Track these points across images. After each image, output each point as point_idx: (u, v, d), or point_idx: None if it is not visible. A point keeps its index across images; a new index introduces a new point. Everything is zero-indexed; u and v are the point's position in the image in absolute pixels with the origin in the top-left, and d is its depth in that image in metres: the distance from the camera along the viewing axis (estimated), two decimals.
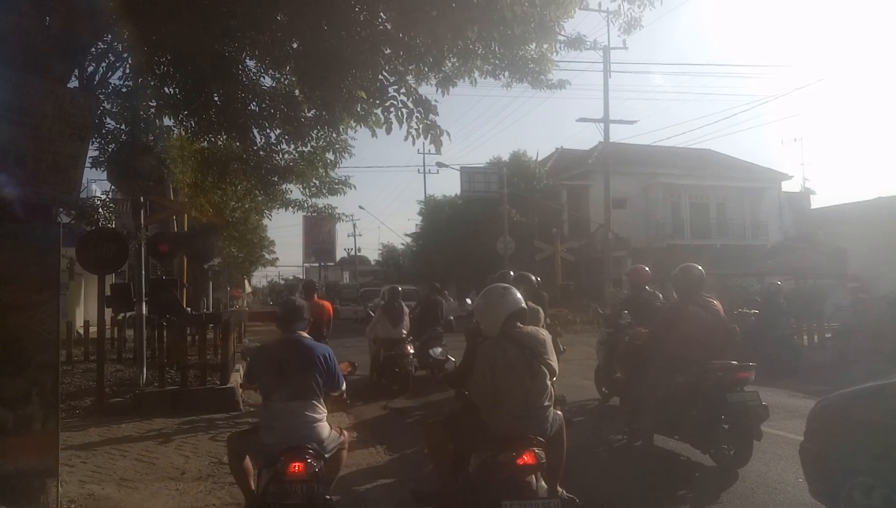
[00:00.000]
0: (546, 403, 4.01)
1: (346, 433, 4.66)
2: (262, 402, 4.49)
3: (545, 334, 4.19)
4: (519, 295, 4.19)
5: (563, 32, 6.69)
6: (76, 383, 10.73)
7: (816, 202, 37.38)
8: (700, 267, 6.39)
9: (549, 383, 4.03)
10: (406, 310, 11.08)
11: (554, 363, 4.07)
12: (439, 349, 10.92)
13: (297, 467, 3.83)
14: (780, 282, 14.90)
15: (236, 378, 10.19)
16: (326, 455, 4.17)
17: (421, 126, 6.17)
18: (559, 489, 4.10)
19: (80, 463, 6.36)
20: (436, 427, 4.43)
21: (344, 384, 4.57)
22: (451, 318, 12.02)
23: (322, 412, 4.32)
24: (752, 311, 13.53)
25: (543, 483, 3.82)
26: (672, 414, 6.08)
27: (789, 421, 7.22)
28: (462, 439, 4.14)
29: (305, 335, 4.49)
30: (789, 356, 12.05)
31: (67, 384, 10.33)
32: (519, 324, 4.09)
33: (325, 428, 4.29)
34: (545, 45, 6.82)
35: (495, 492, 3.63)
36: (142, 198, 10.09)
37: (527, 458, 3.66)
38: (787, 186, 37.01)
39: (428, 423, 4.66)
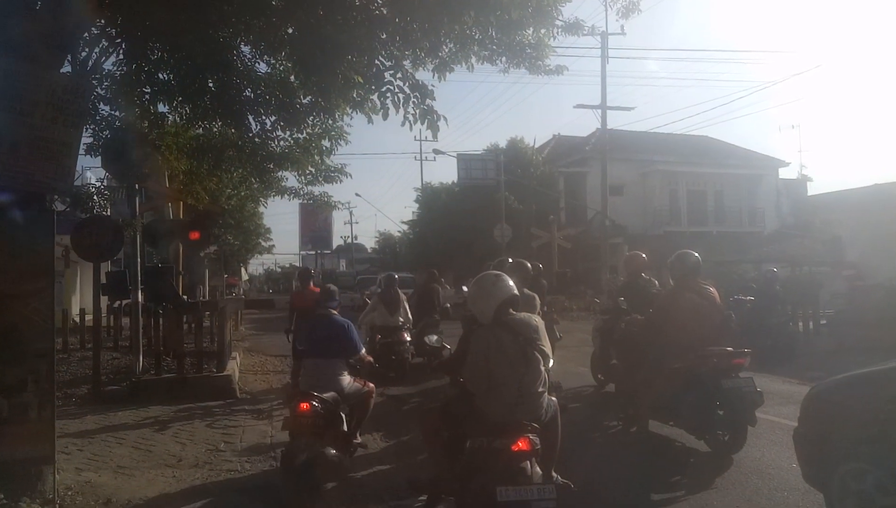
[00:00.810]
0: (540, 389, 4.02)
1: (370, 384, 5.96)
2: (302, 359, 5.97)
3: (538, 320, 4.19)
4: (511, 282, 4.19)
5: (560, 17, 6.65)
6: (72, 371, 10.73)
7: (813, 189, 37.47)
8: (696, 254, 6.39)
9: (542, 369, 4.03)
10: (403, 297, 11.07)
11: (547, 348, 4.07)
12: (435, 337, 10.93)
13: (303, 406, 5.00)
14: (777, 269, 14.93)
15: (233, 366, 10.22)
16: (351, 402, 5.58)
17: (417, 112, 6.14)
18: (554, 474, 4.12)
19: (77, 451, 6.37)
20: (431, 415, 4.44)
21: (363, 349, 5.96)
22: (448, 306, 11.99)
23: (343, 367, 5.66)
24: (748, 298, 13.56)
25: (538, 468, 3.84)
26: (667, 400, 6.10)
27: (784, 407, 7.26)
28: (457, 426, 4.15)
29: (335, 311, 5.96)
30: (784, 342, 12.10)
31: (64, 372, 10.33)
32: (511, 311, 4.08)
33: (345, 379, 5.61)
34: (542, 30, 6.78)
35: (490, 478, 3.65)
36: (137, 185, 10.04)
37: (521, 444, 3.67)
38: (784, 173, 36.99)
39: (424, 411, 4.69)
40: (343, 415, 5.46)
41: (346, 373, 5.67)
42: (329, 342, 5.67)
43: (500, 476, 3.64)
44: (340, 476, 5.21)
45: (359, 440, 5.90)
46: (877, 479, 3.80)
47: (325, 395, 5.22)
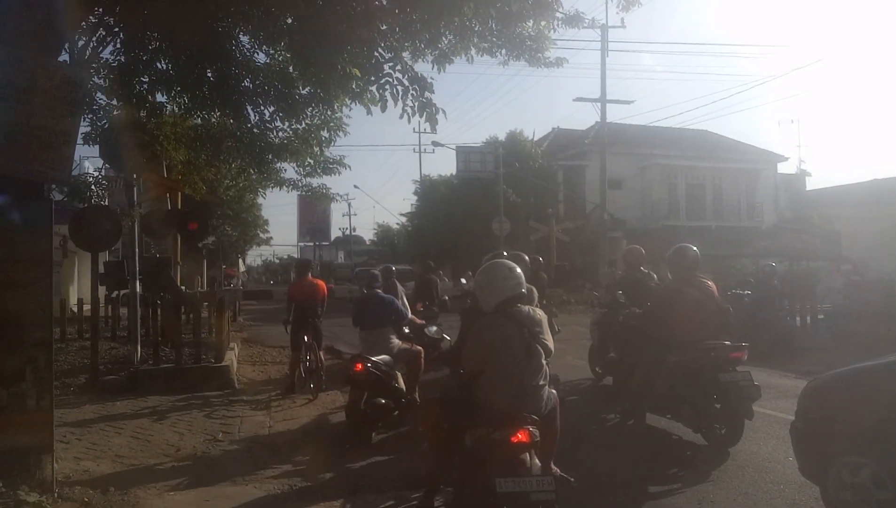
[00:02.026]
0: (541, 382, 4.02)
1: (418, 347, 7.44)
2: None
3: (541, 313, 4.19)
4: (522, 279, 4.17)
5: (560, 9, 6.60)
6: (70, 360, 10.73)
7: (812, 184, 37.43)
8: (695, 248, 6.40)
9: (544, 362, 4.04)
10: (401, 289, 11.07)
11: (550, 342, 4.08)
12: (434, 328, 10.92)
13: (358, 367, 6.29)
14: (775, 264, 14.95)
15: (231, 357, 10.21)
16: (404, 360, 7.15)
17: (416, 104, 6.11)
18: (553, 466, 4.13)
19: (75, 440, 6.38)
20: (429, 406, 4.44)
21: (409, 314, 7.69)
22: (446, 298, 12.01)
23: (391, 334, 7.14)
24: (746, 292, 13.58)
25: (537, 460, 3.85)
26: (665, 394, 6.12)
27: (780, 401, 7.28)
28: (456, 417, 4.15)
29: (380, 291, 7.59)
30: (782, 337, 12.13)
31: (62, 361, 10.33)
32: (518, 305, 4.08)
33: (393, 343, 7.07)
34: (542, 23, 6.74)
35: (489, 470, 3.65)
36: (135, 175, 10.00)
37: (521, 436, 3.67)
38: (782, 168, 36.95)
39: (421, 402, 4.69)
40: (400, 374, 6.79)
41: (394, 338, 7.08)
42: (378, 316, 7.11)
43: (500, 467, 3.64)
44: (390, 419, 6.54)
45: (414, 395, 7.00)
46: (873, 473, 3.82)
47: (377, 358, 6.50)
